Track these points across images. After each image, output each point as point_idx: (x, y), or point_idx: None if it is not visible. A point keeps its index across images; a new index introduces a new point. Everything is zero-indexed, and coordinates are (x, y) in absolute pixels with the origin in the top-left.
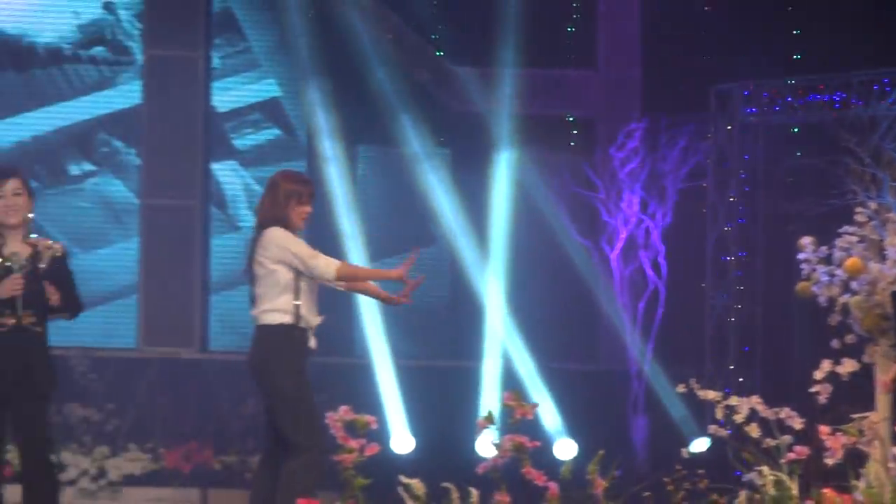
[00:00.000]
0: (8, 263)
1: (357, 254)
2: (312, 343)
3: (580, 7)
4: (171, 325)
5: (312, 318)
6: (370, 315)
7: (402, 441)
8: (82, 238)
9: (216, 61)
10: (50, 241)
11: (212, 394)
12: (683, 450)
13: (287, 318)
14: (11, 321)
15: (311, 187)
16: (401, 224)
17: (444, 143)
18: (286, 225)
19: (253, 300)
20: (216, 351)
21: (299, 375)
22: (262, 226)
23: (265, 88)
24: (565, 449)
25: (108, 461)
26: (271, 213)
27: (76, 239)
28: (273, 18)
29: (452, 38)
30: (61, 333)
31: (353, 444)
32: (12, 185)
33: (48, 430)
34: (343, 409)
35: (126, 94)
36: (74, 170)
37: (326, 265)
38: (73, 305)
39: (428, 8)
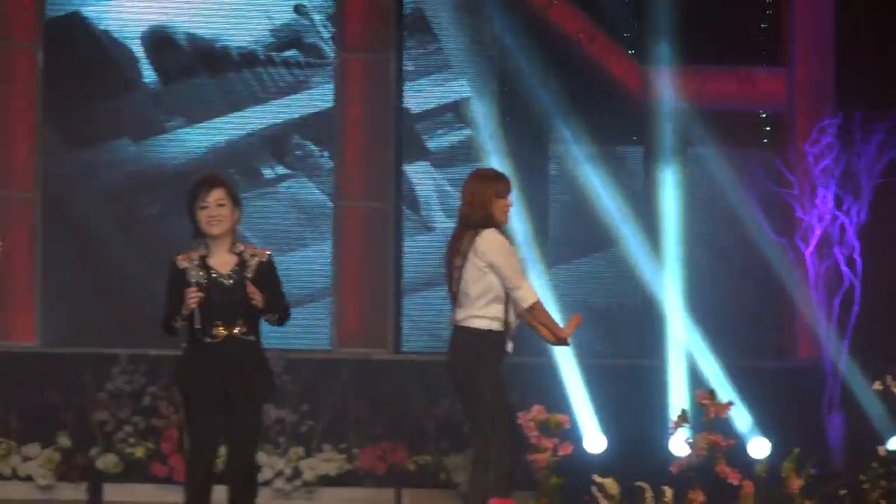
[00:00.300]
0: (214, 274)
1: (545, 255)
2: (510, 347)
3: (772, 3)
4: (364, 327)
5: (513, 323)
6: (557, 314)
7: (595, 440)
8: (277, 241)
9: (408, 63)
10: (257, 248)
11: (405, 395)
12: (880, 448)
13: (495, 325)
14: (223, 331)
15: (507, 180)
16: (591, 223)
17: (634, 142)
18: (493, 223)
19: (454, 300)
20: (409, 352)
21: (499, 378)
22: (469, 226)
23: (456, 89)
24: (759, 447)
25: (302, 462)
26: (475, 213)
27: (271, 242)
28: (464, 19)
29: (643, 37)
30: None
31: (547, 443)
32: (216, 195)
33: (258, 437)
34: (536, 408)
35: (319, 97)
36: (268, 173)
37: (525, 294)
38: (279, 311)
39: (619, 7)
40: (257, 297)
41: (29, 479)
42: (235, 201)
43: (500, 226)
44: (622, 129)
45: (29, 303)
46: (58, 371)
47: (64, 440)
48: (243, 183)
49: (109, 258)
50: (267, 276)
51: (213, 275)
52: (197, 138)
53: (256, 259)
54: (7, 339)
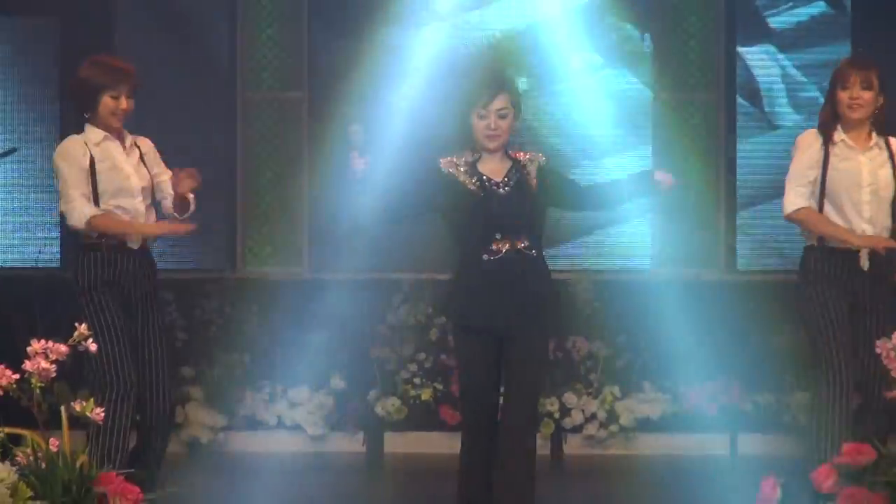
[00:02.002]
0: (487, 182)
1: None
2: (864, 263)
3: None
4: (690, 243)
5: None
6: None
7: None
8: (588, 145)
9: None
10: (529, 152)
11: (740, 322)
12: None
13: (812, 241)
14: (505, 246)
15: (847, 69)
16: None
17: None
18: (832, 119)
19: None
20: (745, 271)
21: (817, 306)
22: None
23: None
24: None
25: (618, 403)
26: (822, 115)
27: (580, 146)
28: None
29: None
30: (565, 255)
31: None
32: (499, 103)
33: (544, 375)
34: None
35: None
36: (574, 62)
37: (784, 202)
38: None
39: None
40: None
41: (297, 428)
42: (518, 106)
43: (840, 121)
44: None
45: (297, 223)
46: (330, 302)
47: (337, 382)
48: (546, 75)
49: (385, 167)
50: (556, 175)
51: (487, 182)
52: (480, 24)
53: (535, 163)
54: (273, 266)
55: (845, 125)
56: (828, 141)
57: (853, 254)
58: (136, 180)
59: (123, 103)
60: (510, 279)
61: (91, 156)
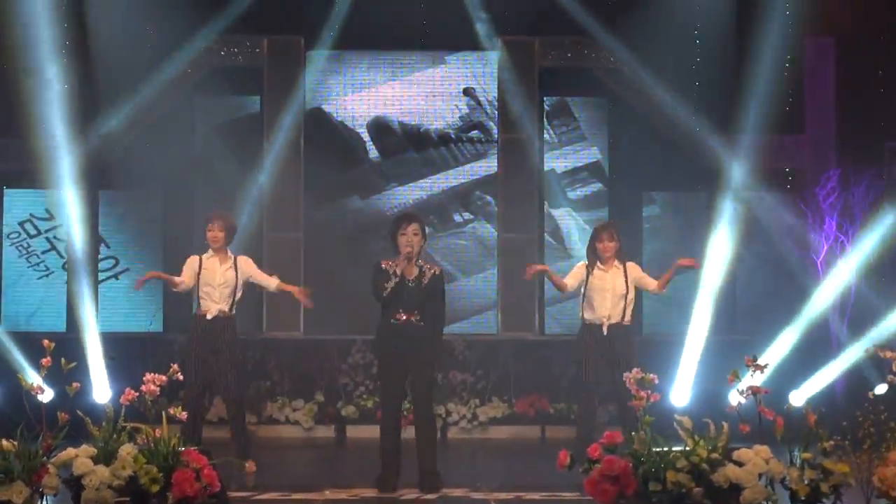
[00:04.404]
0: (402, 278)
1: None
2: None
3: (792, 85)
4: (520, 318)
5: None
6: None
7: (680, 396)
8: (464, 267)
9: (554, 137)
10: (434, 265)
11: (547, 362)
12: (870, 392)
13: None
14: (403, 317)
15: (597, 229)
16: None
17: (699, 188)
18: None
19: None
20: (549, 335)
21: (581, 361)
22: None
23: (590, 154)
24: (795, 397)
25: (478, 409)
26: (588, 254)
27: (460, 267)
28: (595, 102)
29: (705, 111)
30: (455, 326)
31: (642, 393)
32: (412, 227)
33: (433, 389)
34: (635, 370)
35: (489, 164)
36: (457, 218)
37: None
38: (431, 315)
39: (690, 85)
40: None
41: (297, 423)
42: (425, 233)
43: (599, 258)
44: (693, 178)
45: (296, 305)
46: (315, 350)
47: (319, 397)
48: (440, 226)
49: (347, 277)
50: (434, 286)
51: (402, 279)
52: (406, 195)
53: (431, 272)
54: (282, 330)
55: (602, 260)
56: (590, 268)
57: (599, 325)
58: (220, 279)
59: (214, 232)
60: (404, 336)
61: (200, 263)
